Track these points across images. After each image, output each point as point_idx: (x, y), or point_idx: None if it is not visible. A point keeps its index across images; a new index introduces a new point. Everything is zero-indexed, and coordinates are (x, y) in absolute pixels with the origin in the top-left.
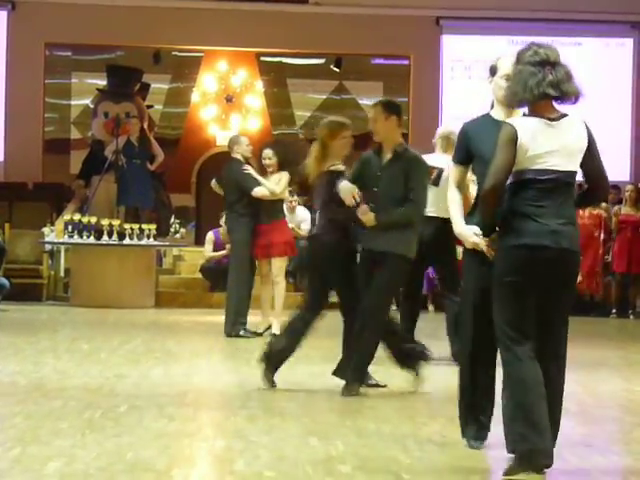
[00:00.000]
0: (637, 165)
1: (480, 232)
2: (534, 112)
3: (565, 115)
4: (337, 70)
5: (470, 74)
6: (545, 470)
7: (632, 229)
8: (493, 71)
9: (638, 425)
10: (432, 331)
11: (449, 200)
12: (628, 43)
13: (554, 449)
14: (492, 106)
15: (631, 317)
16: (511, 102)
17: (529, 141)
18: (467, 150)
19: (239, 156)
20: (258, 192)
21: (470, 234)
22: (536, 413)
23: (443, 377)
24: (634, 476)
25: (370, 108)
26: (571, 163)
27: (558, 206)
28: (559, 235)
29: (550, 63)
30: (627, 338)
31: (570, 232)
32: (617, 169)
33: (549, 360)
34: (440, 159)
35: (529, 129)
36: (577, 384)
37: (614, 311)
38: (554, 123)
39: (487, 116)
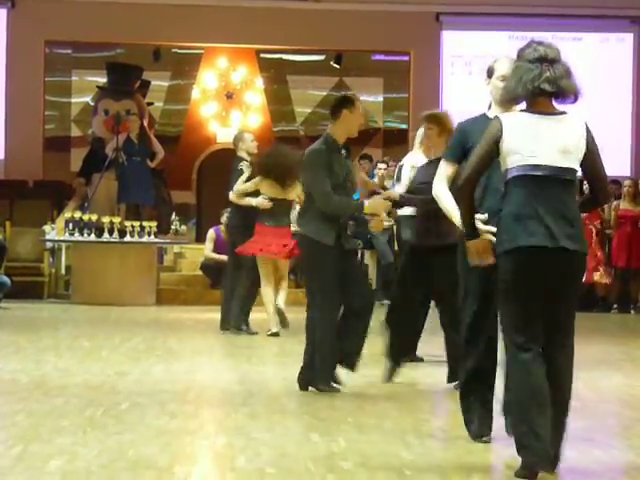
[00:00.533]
0: (637, 160)
1: (485, 218)
2: (531, 109)
3: (564, 113)
4: (337, 66)
5: (470, 69)
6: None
7: (631, 224)
8: (490, 72)
9: (639, 420)
10: (432, 327)
11: (442, 195)
12: (628, 38)
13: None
14: (489, 107)
15: (632, 312)
16: (506, 97)
17: (517, 136)
18: (463, 148)
19: (244, 153)
20: (230, 195)
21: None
22: (538, 423)
23: (444, 374)
24: (635, 471)
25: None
26: (568, 160)
27: (555, 204)
28: (558, 235)
29: (548, 60)
30: (628, 333)
31: (571, 232)
32: (617, 164)
33: (557, 352)
34: (413, 156)
35: (518, 123)
36: (578, 379)
37: (615, 306)
38: (550, 117)
39: (483, 115)
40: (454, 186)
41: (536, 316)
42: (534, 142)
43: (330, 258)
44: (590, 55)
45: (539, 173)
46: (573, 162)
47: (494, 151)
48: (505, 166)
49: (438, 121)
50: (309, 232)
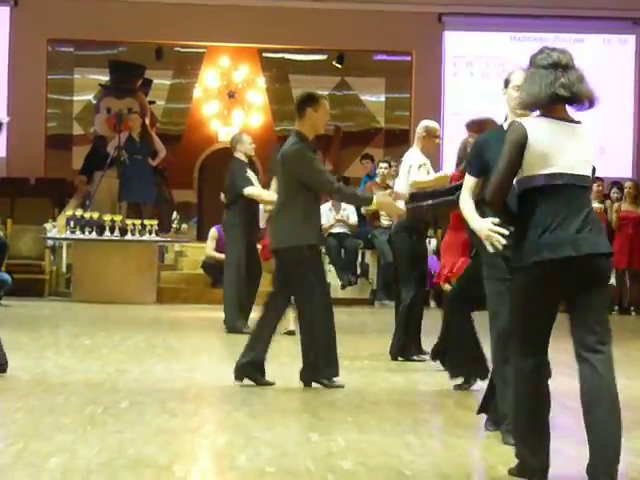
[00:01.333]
0: (639, 162)
1: (497, 221)
2: (549, 115)
3: (579, 122)
4: (339, 66)
5: (472, 70)
6: None
7: (633, 226)
8: (506, 83)
9: (639, 422)
10: (434, 327)
11: (462, 202)
12: (630, 40)
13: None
14: (505, 119)
15: (633, 314)
16: (526, 104)
17: (541, 141)
18: (481, 161)
19: (241, 155)
20: (250, 190)
21: (485, 226)
22: (532, 435)
23: (444, 374)
24: (635, 472)
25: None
26: (584, 168)
27: (575, 211)
28: (580, 242)
29: (562, 66)
30: (628, 335)
31: (591, 237)
32: (619, 166)
33: (589, 356)
34: (411, 153)
35: (541, 129)
36: (577, 380)
37: (616, 308)
38: (568, 124)
39: (500, 128)
40: (486, 199)
41: (547, 326)
42: (557, 149)
43: (318, 256)
44: (592, 57)
45: (561, 182)
46: (588, 170)
47: (521, 156)
48: (525, 172)
49: (479, 128)
50: (296, 239)
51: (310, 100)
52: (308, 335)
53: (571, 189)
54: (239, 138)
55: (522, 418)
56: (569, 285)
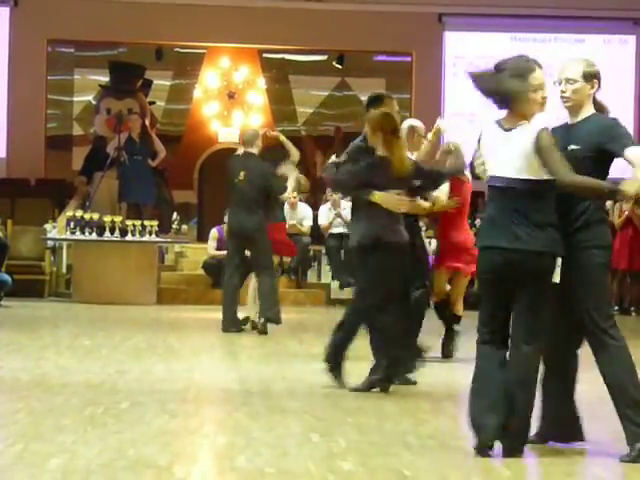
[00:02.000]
0: None
1: None
2: (497, 121)
3: (521, 124)
4: (339, 67)
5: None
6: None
7: (633, 226)
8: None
9: None
10: (434, 328)
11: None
12: (631, 40)
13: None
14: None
15: (633, 314)
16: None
17: (485, 148)
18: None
19: (256, 150)
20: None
21: None
22: (475, 410)
23: (444, 374)
24: (636, 473)
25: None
26: (524, 171)
27: (512, 211)
28: (513, 236)
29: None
30: (629, 335)
31: (527, 233)
32: (620, 166)
33: (512, 351)
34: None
35: (487, 134)
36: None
37: (616, 308)
38: (506, 133)
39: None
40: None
41: (500, 308)
42: (494, 155)
43: (383, 255)
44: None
45: (500, 184)
46: (530, 172)
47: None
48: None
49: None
50: (361, 237)
51: (374, 102)
52: (342, 333)
53: (509, 191)
54: (256, 133)
55: (470, 395)
56: (505, 275)
